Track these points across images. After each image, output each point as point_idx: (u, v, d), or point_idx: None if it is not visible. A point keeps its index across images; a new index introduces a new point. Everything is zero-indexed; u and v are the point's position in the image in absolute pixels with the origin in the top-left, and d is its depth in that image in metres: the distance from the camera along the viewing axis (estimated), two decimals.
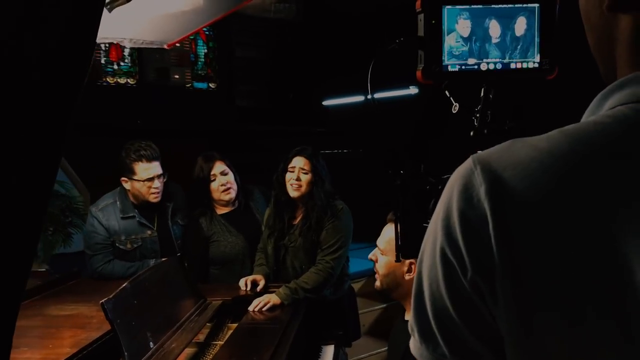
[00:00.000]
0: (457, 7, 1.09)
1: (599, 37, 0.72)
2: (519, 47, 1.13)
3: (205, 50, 7.19)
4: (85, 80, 1.56)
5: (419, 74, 1.13)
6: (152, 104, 6.56)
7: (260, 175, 3.67)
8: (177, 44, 7.20)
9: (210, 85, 7.22)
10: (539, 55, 1.14)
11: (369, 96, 1.23)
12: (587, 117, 0.70)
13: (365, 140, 6.32)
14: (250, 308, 2.90)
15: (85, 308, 2.72)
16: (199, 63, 7.21)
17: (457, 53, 1.11)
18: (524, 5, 1.12)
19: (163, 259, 3.09)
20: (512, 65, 1.14)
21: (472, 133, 1.15)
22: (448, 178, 1.16)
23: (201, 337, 2.72)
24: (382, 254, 2.15)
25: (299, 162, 3.13)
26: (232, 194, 3.35)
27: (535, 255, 0.60)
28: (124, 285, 2.32)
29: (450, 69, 1.13)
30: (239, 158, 3.60)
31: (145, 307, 2.40)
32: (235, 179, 3.38)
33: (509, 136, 0.69)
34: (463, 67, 1.13)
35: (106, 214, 3.19)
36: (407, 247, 1.17)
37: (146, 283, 2.51)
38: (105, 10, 2.02)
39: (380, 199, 5.40)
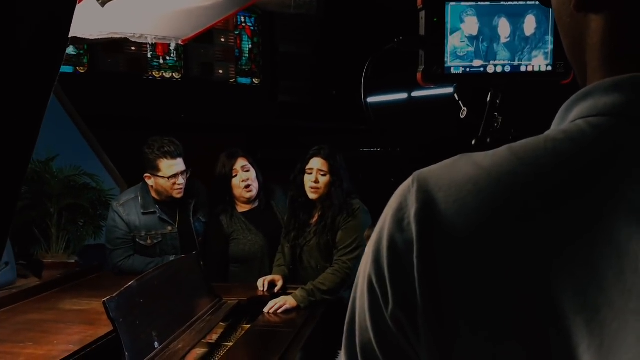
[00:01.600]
0: (462, 3, 0.99)
1: (571, 40, 0.63)
2: (530, 48, 1.02)
3: (250, 46, 7.21)
4: (56, 80, 1.51)
5: (419, 76, 1.04)
6: (196, 98, 6.62)
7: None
8: (222, 39, 7.23)
9: (254, 80, 7.23)
10: (552, 58, 1.02)
11: (362, 101, 1.14)
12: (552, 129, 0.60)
13: (404, 139, 6.20)
14: (266, 310, 2.85)
15: (98, 303, 2.69)
16: (244, 58, 7.23)
17: (461, 54, 1.01)
18: (536, 2, 1.00)
19: (179, 257, 3.08)
20: (522, 68, 1.03)
21: (473, 142, 1.04)
22: None
23: (214, 337, 2.68)
24: None
25: (316, 164, 3.06)
26: (254, 192, 3.31)
27: (458, 292, 0.52)
28: (130, 283, 2.30)
29: (453, 71, 1.03)
30: (278, 154, 3.55)
31: (152, 306, 2.37)
32: (258, 177, 3.34)
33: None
34: (468, 69, 1.03)
35: (127, 209, 3.20)
36: None
37: (155, 281, 2.48)
38: (112, 5, 1.99)
39: None
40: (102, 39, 2.20)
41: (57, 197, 3.87)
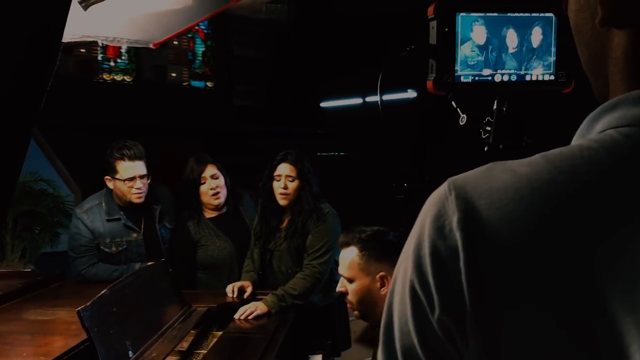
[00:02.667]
0: (472, 14, 1.01)
1: (591, 54, 0.65)
2: (535, 58, 1.06)
3: (204, 49, 7.14)
4: (49, 85, 1.47)
5: (430, 84, 1.05)
6: (149, 101, 6.51)
7: (255, 177, 3.60)
8: (175, 42, 7.13)
9: (207, 84, 7.16)
10: (555, 68, 1.06)
11: (379, 104, 1.15)
12: (577, 140, 0.63)
13: (362, 143, 6.26)
14: (236, 316, 2.83)
15: (65, 313, 2.65)
16: (197, 61, 7.15)
17: (472, 63, 1.04)
18: (541, 14, 1.04)
19: (147, 264, 3.02)
20: (528, 77, 1.07)
21: (486, 148, 1.07)
22: None
23: (185, 345, 2.64)
24: (349, 282, 2.08)
25: (284, 170, 3.06)
26: (222, 198, 3.28)
27: (506, 296, 0.54)
28: (103, 292, 2.25)
29: (463, 79, 1.06)
30: (235, 158, 3.53)
31: (125, 314, 2.32)
32: (226, 183, 3.31)
33: (525, 153, 0.62)
34: (477, 77, 1.06)
35: (91, 216, 3.12)
36: None
37: (127, 290, 2.43)
38: (81, 8, 1.94)
39: (374, 202, 5.35)
40: (74, 42, 2.14)
41: (12, 203, 3.71)
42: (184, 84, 7.12)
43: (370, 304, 2.05)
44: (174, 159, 3.43)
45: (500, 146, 1.07)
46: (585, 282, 0.52)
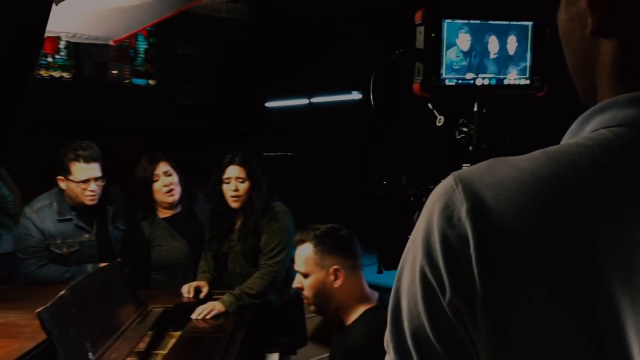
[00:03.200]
0: (457, 20, 1.07)
1: (579, 60, 0.71)
2: (512, 63, 1.13)
3: (146, 46, 7.01)
4: (31, 78, 1.45)
5: (416, 86, 1.11)
6: (89, 99, 6.35)
7: (202, 177, 3.58)
8: None
9: (149, 82, 7.04)
10: (530, 73, 1.14)
11: (373, 108, 1.19)
12: (568, 139, 0.69)
13: (309, 143, 6.31)
14: (194, 316, 2.82)
15: (16, 316, 2.57)
16: (139, 59, 7.02)
17: (456, 67, 1.10)
18: (519, 22, 1.11)
19: (102, 265, 2.97)
20: (506, 81, 1.14)
21: (470, 147, 1.13)
22: (428, 189, 1.15)
23: (142, 346, 2.61)
24: (305, 277, 2.16)
25: (233, 172, 3.06)
26: (176, 196, 3.25)
27: (514, 279, 0.59)
28: (62, 293, 2.20)
29: (447, 82, 1.11)
30: (180, 158, 3.49)
31: (84, 315, 2.29)
32: (180, 182, 3.29)
33: (507, 152, 0.67)
34: (460, 81, 1.12)
35: (41, 216, 3.04)
36: (390, 258, 1.15)
37: (85, 290, 2.39)
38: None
39: (323, 201, 5.41)
40: None
41: None
42: (126, 81, 6.97)
43: (325, 298, 2.14)
44: (117, 158, 3.35)
45: (484, 145, 1.13)
46: (587, 264, 0.58)
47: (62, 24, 2.22)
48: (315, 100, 6.31)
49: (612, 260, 0.58)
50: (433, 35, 1.11)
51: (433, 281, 0.63)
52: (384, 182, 1.19)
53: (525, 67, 1.17)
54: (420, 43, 1.12)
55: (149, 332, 2.71)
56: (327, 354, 4.01)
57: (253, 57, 6.37)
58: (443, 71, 1.12)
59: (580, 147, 0.63)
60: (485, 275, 0.60)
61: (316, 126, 6.23)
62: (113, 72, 6.87)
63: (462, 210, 0.62)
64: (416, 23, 1.12)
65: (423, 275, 0.64)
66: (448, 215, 0.63)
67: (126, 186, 3.43)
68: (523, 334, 0.59)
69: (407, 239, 1.20)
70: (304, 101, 6.35)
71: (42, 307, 2.05)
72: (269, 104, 6.48)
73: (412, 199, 1.18)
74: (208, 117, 6.58)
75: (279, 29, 6.12)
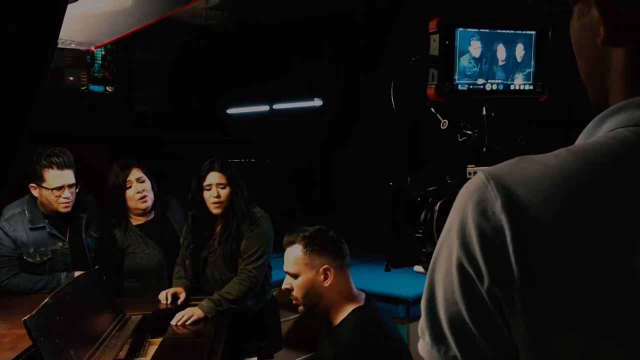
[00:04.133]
0: (469, 29, 1.14)
1: (591, 67, 0.77)
2: (518, 70, 1.20)
3: (103, 52, 6.89)
4: (46, 77, 1.45)
5: (431, 91, 1.16)
6: (45, 106, 6.20)
7: (165, 184, 3.56)
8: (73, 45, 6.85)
9: (107, 88, 6.92)
10: (533, 79, 1.21)
11: (394, 108, 1.23)
12: (585, 138, 0.75)
13: (271, 150, 6.32)
14: (173, 322, 2.81)
15: None
16: (96, 65, 6.88)
17: (469, 73, 1.16)
18: (523, 32, 1.18)
19: (81, 272, 2.93)
20: (512, 87, 1.21)
21: (484, 149, 1.19)
22: (434, 190, 1.21)
23: (122, 354, 2.59)
24: (294, 278, 2.20)
25: (214, 178, 3.07)
26: (149, 202, 3.23)
27: (549, 266, 0.65)
28: (46, 300, 2.18)
29: (460, 87, 1.17)
30: (143, 165, 3.45)
31: (67, 323, 2.27)
32: (153, 188, 3.27)
33: (520, 153, 0.73)
34: (471, 86, 1.18)
35: (13, 225, 2.97)
36: (398, 257, 1.20)
37: (68, 298, 2.37)
38: None
39: (286, 208, 5.43)
40: None
41: None
42: (83, 88, 6.83)
43: (315, 298, 2.18)
44: (77, 165, 3.27)
45: (498, 147, 1.20)
46: (617, 253, 0.64)
47: None
48: (276, 107, 6.33)
49: (639, 246, 0.63)
50: (447, 42, 1.17)
51: (470, 270, 0.68)
52: (391, 183, 1.24)
53: (530, 73, 1.24)
54: (434, 50, 1.18)
55: (129, 340, 2.69)
56: (302, 357, 4.05)
57: (213, 64, 6.36)
58: (456, 77, 1.18)
59: (602, 145, 0.69)
60: (522, 264, 0.65)
61: (278, 133, 6.25)
62: (70, 78, 6.73)
63: (497, 204, 0.67)
64: (430, 31, 1.18)
65: (460, 265, 0.69)
66: (482, 209, 0.67)
67: (92, 193, 3.38)
68: (558, 318, 0.65)
69: (414, 237, 1.26)
70: (265, 108, 6.37)
71: (28, 315, 2.02)
72: (230, 111, 6.47)
73: (418, 199, 1.23)
74: (169, 124, 6.51)
75: (239, 35, 6.13)
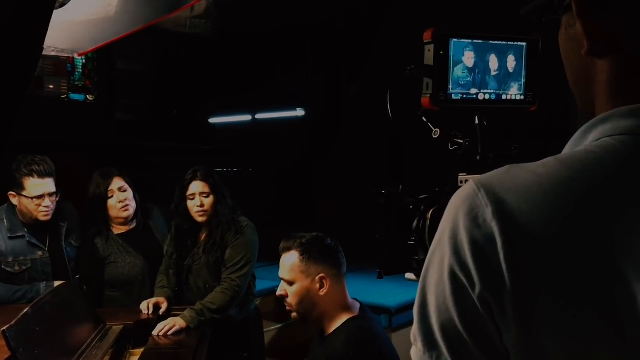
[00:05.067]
0: (462, 40, 1.15)
1: (578, 77, 0.78)
2: (510, 80, 1.21)
3: (84, 61, 6.84)
4: (30, 85, 1.44)
5: (425, 100, 1.17)
6: (24, 114, 6.12)
7: (146, 193, 3.54)
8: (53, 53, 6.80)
9: (88, 97, 6.87)
10: (525, 89, 1.22)
11: (390, 115, 1.24)
12: (572, 147, 0.76)
13: (254, 159, 6.31)
14: (155, 332, 2.78)
15: None
16: (77, 73, 6.83)
17: (462, 83, 1.17)
18: (515, 43, 1.20)
19: (59, 283, 2.88)
20: (504, 97, 1.22)
21: (478, 157, 1.19)
22: (425, 198, 1.21)
23: None
24: (290, 284, 2.18)
25: (197, 187, 3.06)
26: (131, 211, 3.20)
27: (539, 272, 0.65)
28: (25, 310, 2.15)
29: (454, 97, 1.18)
30: (124, 174, 3.42)
31: (47, 333, 2.24)
32: (135, 197, 3.24)
33: (514, 162, 0.74)
34: (465, 95, 1.19)
35: None
36: (391, 264, 1.20)
37: (48, 308, 2.33)
38: None
39: (268, 217, 5.42)
40: None
41: None
42: (63, 96, 6.78)
43: (309, 306, 2.16)
44: (57, 174, 3.23)
45: (491, 155, 1.20)
46: (606, 260, 0.64)
47: None
48: (259, 116, 6.32)
49: (628, 256, 0.64)
50: (441, 53, 1.18)
51: (462, 277, 0.68)
52: (383, 191, 1.25)
53: (521, 84, 1.26)
54: (429, 60, 1.19)
55: (109, 350, 2.65)
56: None
57: (195, 73, 6.34)
58: (450, 86, 1.19)
59: (590, 154, 0.70)
60: (513, 271, 0.65)
61: (260, 142, 6.25)
62: (49, 87, 6.67)
63: (487, 212, 0.67)
64: (425, 41, 1.19)
65: (452, 272, 0.69)
66: (473, 217, 0.68)
67: (72, 202, 3.34)
68: (548, 323, 0.65)
69: (407, 245, 1.26)
70: (247, 117, 6.36)
71: (7, 326, 1.99)
72: (212, 120, 6.45)
73: (410, 207, 1.23)
74: (149, 133, 6.48)
75: (221, 45, 6.12)
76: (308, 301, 2.15)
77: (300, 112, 6.22)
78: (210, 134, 6.46)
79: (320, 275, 2.14)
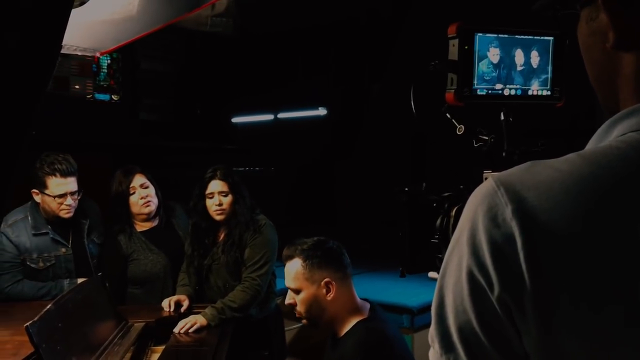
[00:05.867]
0: (487, 34, 1.13)
1: (600, 71, 0.76)
2: (535, 75, 1.19)
3: (109, 61, 6.91)
4: (49, 83, 1.44)
5: (450, 96, 1.15)
6: (50, 114, 6.21)
7: (170, 192, 3.56)
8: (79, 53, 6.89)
9: (113, 97, 6.94)
10: (551, 84, 1.20)
11: (413, 111, 1.22)
12: (596, 143, 0.73)
13: (275, 158, 6.33)
14: (176, 330, 2.79)
15: None
16: (102, 74, 6.91)
17: (487, 78, 1.15)
18: (542, 37, 1.17)
19: (82, 280, 2.91)
20: (530, 92, 1.20)
21: (503, 154, 1.17)
22: (449, 196, 1.19)
23: None
24: (296, 293, 2.16)
25: (216, 186, 3.06)
26: (152, 207, 3.22)
27: (561, 272, 0.63)
28: (48, 307, 2.17)
29: (478, 92, 1.16)
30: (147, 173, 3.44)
31: (69, 330, 2.25)
32: (157, 195, 3.26)
33: (540, 157, 0.71)
34: (490, 91, 1.17)
35: (16, 231, 2.96)
36: (413, 263, 1.18)
37: (70, 305, 2.35)
38: None
39: (289, 217, 5.42)
40: None
41: None
42: (88, 96, 6.86)
43: (318, 311, 2.14)
44: (81, 173, 3.25)
45: (517, 151, 1.18)
46: (632, 256, 0.62)
47: None
48: (281, 116, 6.34)
49: None
50: (466, 47, 1.16)
51: (481, 279, 0.66)
52: (406, 189, 1.23)
53: (547, 79, 1.23)
54: (453, 55, 1.17)
55: (131, 347, 2.67)
56: None
57: (218, 73, 6.38)
58: (475, 81, 1.18)
59: (614, 150, 0.67)
60: (533, 271, 0.63)
61: (282, 142, 6.26)
62: (75, 87, 6.75)
63: (507, 211, 0.65)
64: (449, 36, 1.17)
65: (470, 273, 0.67)
66: (492, 216, 0.66)
67: (94, 200, 3.37)
68: (570, 325, 0.63)
69: (430, 243, 1.24)
70: (269, 117, 6.38)
71: (30, 322, 2.01)
72: (234, 120, 6.48)
73: (434, 205, 1.22)
74: (172, 133, 6.52)
75: (243, 44, 6.14)
76: (316, 307, 2.13)
77: (322, 112, 6.22)
78: (233, 134, 6.49)
79: (326, 280, 2.11)
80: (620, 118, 0.71)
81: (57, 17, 1.18)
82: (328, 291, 2.11)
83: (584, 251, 0.63)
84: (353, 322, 2.12)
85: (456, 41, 1.14)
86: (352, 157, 6.41)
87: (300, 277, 2.14)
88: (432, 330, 0.73)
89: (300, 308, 2.16)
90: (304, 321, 2.20)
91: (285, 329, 3.50)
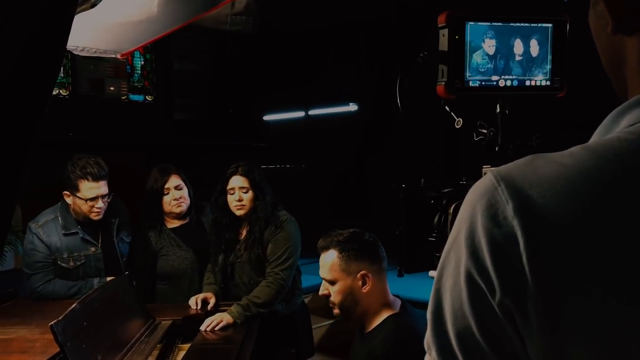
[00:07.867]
0: (480, 23, 1.09)
1: (609, 57, 0.72)
2: (534, 65, 1.15)
3: (142, 62, 7.03)
4: (53, 87, 1.45)
5: (440, 88, 1.12)
6: (86, 116, 6.35)
7: (202, 190, 3.59)
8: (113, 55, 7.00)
9: (147, 97, 7.05)
10: (551, 74, 1.16)
11: (399, 107, 1.20)
12: (602, 134, 0.69)
13: (306, 156, 6.33)
14: (202, 328, 2.81)
15: (26, 331, 2.56)
16: (136, 75, 7.03)
17: (482, 70, 1.11)
18: (539, 25, 1.13)
19: (111, 278, 2.96)
20: (527, 83, 1.16)
21: (497, 148, 1.14)
22: (448, 192, 1.16)
23: (151, 359, 2.61)
24: (331, 284, 2.14)
25: (237, 182, 3.08)
26: (184, 207, 3.27)
27: (567, 276, 0.59)
28: (73, 306, 2.21)
29: (471, 84, 1.13)
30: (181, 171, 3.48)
31: (94, 328, 2.29)
32: (189, 194, 3.30)
33: (534, 151, 0.68)
34: (483, 83, 1.14)
35: (47, 231, 3.03)
36: (412, 262, 1.15)
37: (95, 304, 2.39)
38: None
39: (321, 213, 5.42)
40: None
41: None
42: (123, 97, 6.98)
43: (352, 303, 2.12)
44: (115, 174, 3.30)
45: (511, 145, 1.14)
46: (638, 257, 0.58)
47: (71, 37, 2.24)
48: (312, 112, 6.34)
49: None
50: (457, 37, 1.12)
51: (481, 282, 0.62)
52: (403, 185, 1.20)
53: (547, 68, 1.19)
54: (443, 45, 1.14)
55: (158, 345, 2.70)
56: None
57: (249, 71, 6.41)
58: (467, 73, 1.14)
59: (622, 141, 0.63)
60: (537, 273, 0.59)
61: (313, 138, 6.26)
62: (110, 88, 6.88)
63: (508, 209, 0.61)
64: (439, 26, 1.14)
65: (469, 276, 0.63)
66: (492, 214, 0.62)
67: (126, 200, 3.42)
68: (578, 328, 0.59)
69: (428, 241, 1.21)
70: (300, 114, 6.38)
71: (55, 320, 2.04)
72: (266, 117, 6.50)
73: (432, 201, 1.18)
74: (205, 132, 6.59)
75: (274, 42, 6.16)
76: (351, 299, 2.11)
77: (353, 107, 6.19)
78: (264, 131, 6.52)
79: (362, 272, 2.09)
80: (628, 108, 0.66)
81: (61, 19, 1.19)
82: (364, 284, 2.10)
83: (591, 251, 0.59)
84: (384, 316, 2.10)
85: (446, 31, 1.11)
86: (383, 152, 6.36)
87: (336, 269, 2.12)
88: (429, 336, 0.69)
89: (334, 299, 2.14)
90: (336, 311, 2.18)
91: (315, 326, 3.49)
